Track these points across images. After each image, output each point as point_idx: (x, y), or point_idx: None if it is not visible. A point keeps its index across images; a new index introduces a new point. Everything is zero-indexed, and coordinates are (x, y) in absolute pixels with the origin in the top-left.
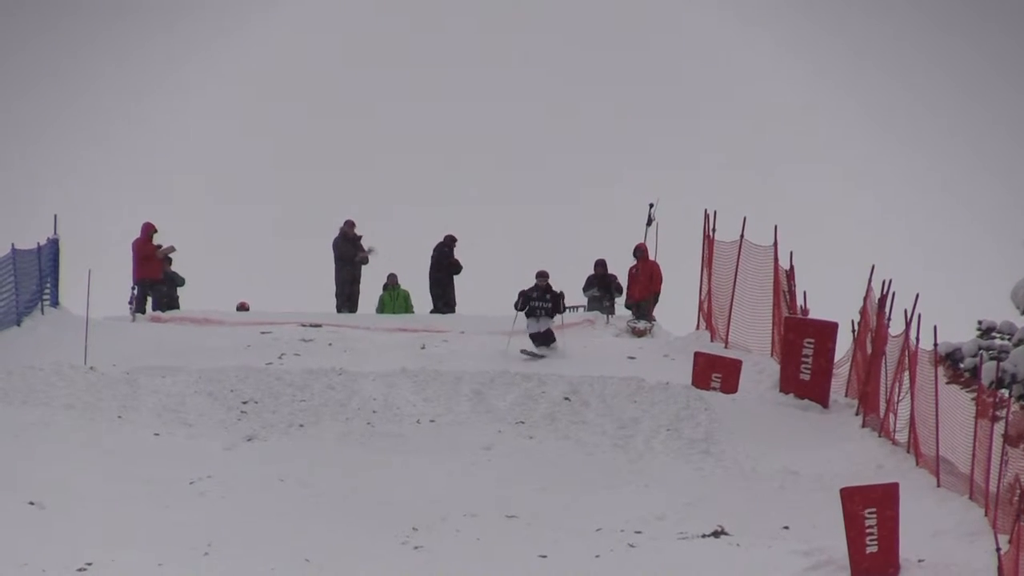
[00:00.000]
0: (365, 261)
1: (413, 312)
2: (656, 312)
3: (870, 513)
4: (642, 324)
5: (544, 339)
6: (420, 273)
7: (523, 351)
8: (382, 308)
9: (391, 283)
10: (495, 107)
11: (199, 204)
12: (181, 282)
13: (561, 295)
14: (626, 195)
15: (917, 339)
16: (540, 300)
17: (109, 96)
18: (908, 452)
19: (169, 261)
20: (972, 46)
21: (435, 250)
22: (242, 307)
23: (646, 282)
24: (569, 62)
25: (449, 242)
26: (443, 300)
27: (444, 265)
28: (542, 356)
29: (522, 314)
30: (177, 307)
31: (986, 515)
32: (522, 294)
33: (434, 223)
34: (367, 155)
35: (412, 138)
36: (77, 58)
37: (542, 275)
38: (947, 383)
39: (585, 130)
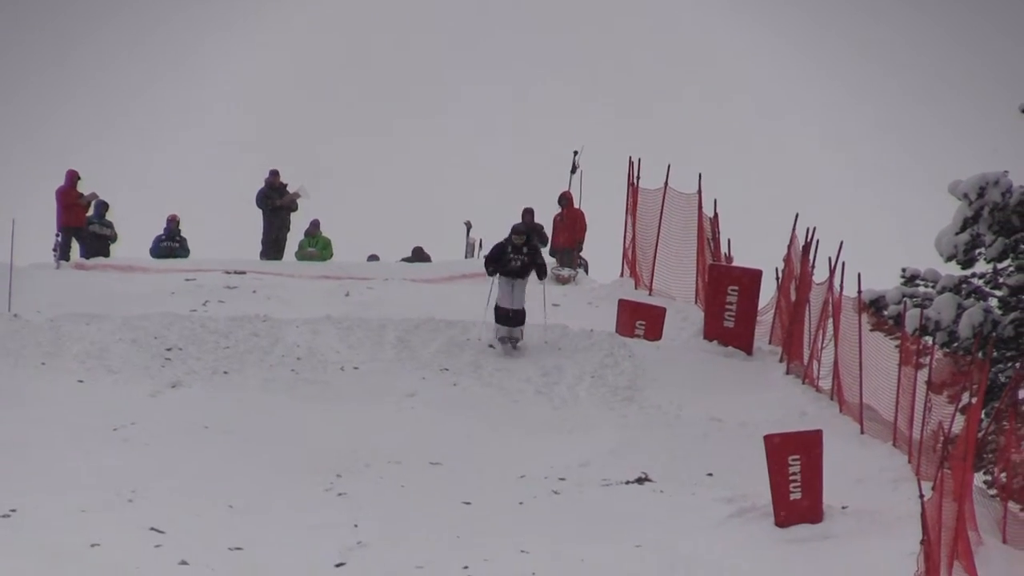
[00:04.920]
0: (294, 206)
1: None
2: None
3: (794, 460)
4: (566, 272)
5: (514, 321)
6: (345, 219)
7: (491, 345)
8: (300, 252)
9: (312, 230)
10: (424, 45)
11: (127, 152)
12: (114, 238)
13: (539, 251)
14: (552, 143)
15: (841, 286)
16: (516, 254)
17: (38, 45)
18: (832, 399)
19: (104, 223)
20: None
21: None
22: (172, 219)
23: (570, 230)
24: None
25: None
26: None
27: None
28: (506, 347)
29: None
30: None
31: (909, 462)
32: (496, 250)
33: (362, 163)
34: (302, 102)
35: (344, 78)
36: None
37: (518, 232)
38: (871, 330)
39: (504, 77)
